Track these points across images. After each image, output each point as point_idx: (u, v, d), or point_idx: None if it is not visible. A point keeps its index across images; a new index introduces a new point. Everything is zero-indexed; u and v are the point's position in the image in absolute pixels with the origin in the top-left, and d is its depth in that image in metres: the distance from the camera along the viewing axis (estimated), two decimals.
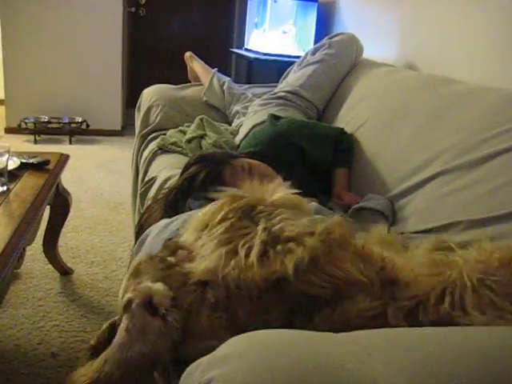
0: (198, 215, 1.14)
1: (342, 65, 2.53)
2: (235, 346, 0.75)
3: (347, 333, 0.81)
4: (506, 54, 1.95)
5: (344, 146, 2.02)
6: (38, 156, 2.12)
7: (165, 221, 1.55)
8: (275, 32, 3.63)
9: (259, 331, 0.92)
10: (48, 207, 2.24)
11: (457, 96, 1.77)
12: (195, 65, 3.07)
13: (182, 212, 1.58)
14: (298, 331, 0.87)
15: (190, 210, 1.60)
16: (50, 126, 4.77)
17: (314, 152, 1.94)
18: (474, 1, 2.15)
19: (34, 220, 1.64)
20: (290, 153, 1.93)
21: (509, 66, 1.93)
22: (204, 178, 1.65)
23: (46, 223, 2.35)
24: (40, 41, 4.73)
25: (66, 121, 4.80)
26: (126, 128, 5.17)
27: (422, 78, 2.16)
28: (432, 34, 2.44)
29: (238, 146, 2.26)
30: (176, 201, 1.65)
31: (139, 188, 2.31)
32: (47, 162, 2.08)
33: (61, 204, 2.30)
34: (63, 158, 2.23)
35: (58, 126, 4.80)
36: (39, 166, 2.05)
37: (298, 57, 2.90)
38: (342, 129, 2.11)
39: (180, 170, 2.07)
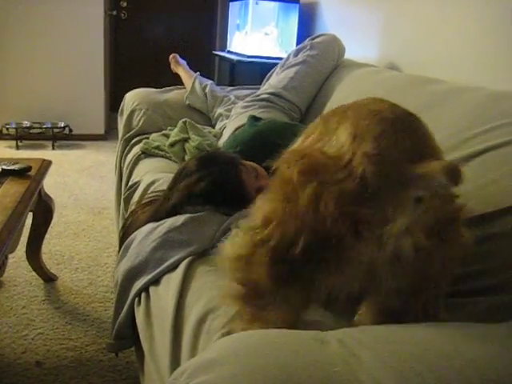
0: None
1: (324, 66, 2.53)
2: (221, 350, 0.74)
3: (334, 331, 0.81)
4: (487, 53, 1.97)
5: None
6: (20, 162, 2.09)
7: (150, 225, 1.53)
8: (257, 34, 3.63)
9: (245, 332, 0.91)
10: (30, 214, 2.22)
11: (439, 96, 1.78)
12: (179, 69, 3.07)
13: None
14: (284, 331, 0.87)
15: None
16: (32, 131, 4.73)
17: None
18: (455, 1, 2.17)
19: (16, 227, 1.62)
20: (270, 153, 1.92)
21: (490, 65, 1.95)
22: (225, 179, 1.58)
23: (28, 230, 2.32)
24: (20, 45, 4.68)
25: (49, 126, 4.75)
26: (110, 132, 5.14)
27: (405, 77, 2.17)
28: (414, 35, 2.46)
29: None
30: (188, 201, 1.59)
31: (123, 193, 2.30)
32: (29, 169, 2.05)
33: (43, 210, 2.27)
34: (45, 164, 2.21)
35: (40, 131, 4.75)
36: (21, 173, 2.02)
37: (280, 58, 2.91)
38: None
39: (164, 174, 2.07)
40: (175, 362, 1.05)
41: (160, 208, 1.61)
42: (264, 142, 1.96)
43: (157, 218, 1.57)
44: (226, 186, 1.58)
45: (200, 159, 1.69)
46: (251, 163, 1.70)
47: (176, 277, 1.27)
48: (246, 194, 1.60)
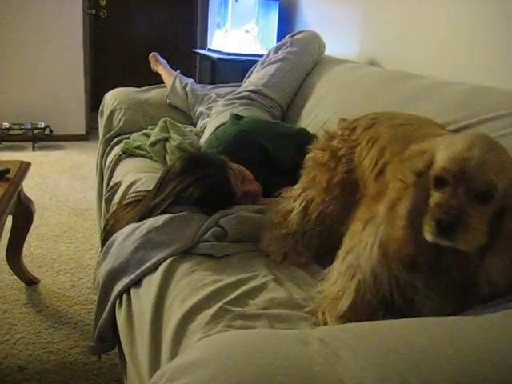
0: None
1: (304, 62, 2.53)
2: (201, 352, 0.74)
3: (315, 329, 0.80)
4: (466, 48, 1.98)
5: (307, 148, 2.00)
6: None
7: (130, 226, 1.52)
8: (238, 31, 3.62)
9: (225, 333, 0.90)
10: (10, 217, 2.19)
11: (419, 90, 1.78)
12: (159, 68, 3.05)
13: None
14: (265, 332, 0.86)
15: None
16: (11, 132, 4.66)
17: (277, 151, 1.93)
18: None
19: None
20: (252, 152, 1.91)
21: (470, 60, 1.96)
22: (216, 183, 1.57)
23: (9, 233, 2.28)
24: None
25: (29, 127, 4.68)
26: (91, 132, 5.09)
27: (384, 73, 2.17)
28: (393, 30, 2.46)
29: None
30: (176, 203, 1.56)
31: (104, 193, 2.27)
32: (7, 171, 2.02)
33: (23, 213, 2.24)
34: (24, 166, 2.18)
35: (20, 132, 4.68)
36: None
37: (260, 55, 2.90)
38: (305, 129, 2.11)
39: (145, 174, 2.05)
40: (155, 365, 1.04)
41: (144, 210, 1.59)
42: (247, 142, 1.95)
43: (140, 219, 1.55)
44: (216, 191, 1.57)
45: (186, 161, 1.67)
46: (238, 166, 1.70)
47: (156, 278, 1.26)
48: (234, 198, 1.60)
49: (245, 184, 1.66)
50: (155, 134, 2.34)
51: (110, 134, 2.66)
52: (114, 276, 1.40)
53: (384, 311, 1.03)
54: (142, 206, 1.63)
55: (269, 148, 1.93)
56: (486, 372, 0.67)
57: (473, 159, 0.89)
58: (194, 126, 2.64)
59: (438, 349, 0.71)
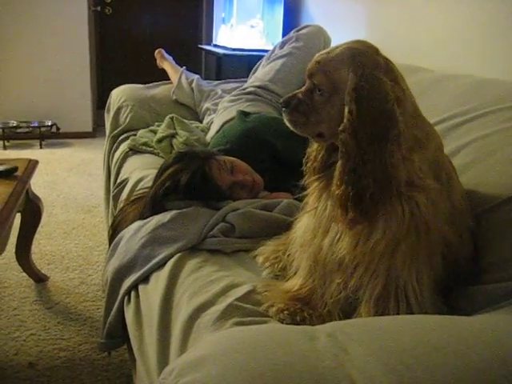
0: None
1: (310, 57, 2.48)
2: (210, 347, 0.74)
3: (324, 325, 0.80)
4: (472, 41, 1.97)
5: None
6: (6, 163, 2.07)
7: (138, 223, 1.53)
8: (243, 27, 3.61)
9: (234, 329, 0.90)
10: (19, 214, 2.20)
11: (425, 84, 1.77)
12: (165, 64, 3.05)
13: (161, 212, 1.53)
14: (273, 327, 0.86)
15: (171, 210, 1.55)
16: (19, 130, 4.68)
17: (285, 148, 1.92)
18: None
19: (3, 229, 1.61)
20: (260, 150, 1.91)
21: (476, 53, 1.95)
22: (192, 174, 1.56)
23: (17, 231, 2.30)
24: (4, 44, 4.63)
25: (36, 125, 4.70)
26: (98, 130, 5.10)
27: None
28: (398, 24, 2.45)
29: (209, 143, 2.24)
30: (160, 200, 1.59)
31: (111, 190, 2.28)
32: (15, 169, 2.03)
33: (32, 211, 2.25)
34: (32, 164, 2.19)
35: (27, 130, 4.71)
36: (7, 174, 2.00)
37: (266, 51, 2.89)
38: None
39: (152, 171, 2.05)
40: (163, 361, 1.04)
41: (145, 206, 1.60)
42: (255, 140, 1.94)
43: (142, 215, 1.56)
44: (194, 181, 1.56)
45: (176, 155, 1.69)
46: (230, 158, 1.69)
47: (163, 274, 1.26)
48: (218, 188, 1.58)
49: (235, 174, 1.65)
50: (162, 130, 2.34)
51: (116, 131, 2.66)
52: (122, 273, 1.41)
53: None
54: (143, 203, 1.64)
55: (276, 145, 1.92)
56: (494, 367, 0.67)
57: (317, 58, 1.08)
58: (201, 122, 2.64)
59: (446, 344, 0.71)
